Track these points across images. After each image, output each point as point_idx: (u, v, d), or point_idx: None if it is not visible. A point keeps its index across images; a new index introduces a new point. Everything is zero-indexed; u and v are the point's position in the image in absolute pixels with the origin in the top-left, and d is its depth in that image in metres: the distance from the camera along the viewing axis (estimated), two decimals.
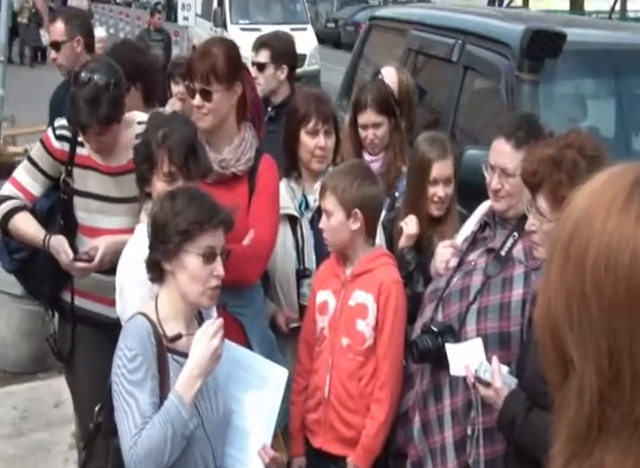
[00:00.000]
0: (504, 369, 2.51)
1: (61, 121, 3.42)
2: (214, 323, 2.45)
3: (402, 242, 3.38)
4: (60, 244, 3.28)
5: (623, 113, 4.50)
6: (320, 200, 3.18)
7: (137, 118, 3.46)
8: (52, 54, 4.70)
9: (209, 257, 2.43)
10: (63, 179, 3.41)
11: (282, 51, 4.68)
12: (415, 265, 3.28)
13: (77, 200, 3.42)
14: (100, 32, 5.73)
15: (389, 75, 4.24)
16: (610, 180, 1.02)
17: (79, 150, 3.39)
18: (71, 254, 3.26)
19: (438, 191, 3.37)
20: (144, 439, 2.29)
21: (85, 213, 3.42)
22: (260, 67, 4.60)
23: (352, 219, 3.07)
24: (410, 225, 3.36)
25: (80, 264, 3.27)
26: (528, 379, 2.39)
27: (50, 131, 3.43)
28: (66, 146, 3.39)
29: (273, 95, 4.63)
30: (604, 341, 0.95)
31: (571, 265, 0.99)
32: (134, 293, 2.73)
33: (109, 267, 3.25)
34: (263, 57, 4.62)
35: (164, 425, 2.29)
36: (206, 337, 2.40)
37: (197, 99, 3.18)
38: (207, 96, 3.16)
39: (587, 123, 4.42)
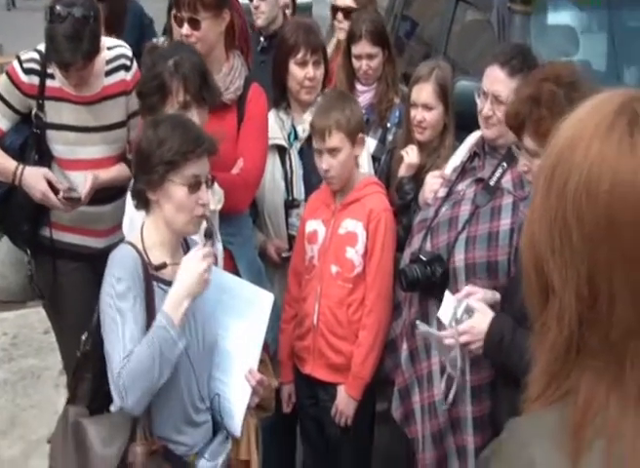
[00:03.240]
0: (493, 294, 2.54)
1: (29, 53, 3.28)
2: (202, 248, 2.46)
3: (402, 171, 3.36)
4: (36, 181, 3.19)
5: (615, 46, 4.46)
6: (322, 143, 3.08)
7: (106, 43, 3.36)
8: None
9: (194, 187, 2.41)
10: (35, 114, 3.29)
11: None
12: (413, 196, 3.27)
13: (52, 133, 3.31)
14: None
15: None
16: (594, 109, 1.02)
17: (49, 82, 3.27)
18: (52, 196, 3.19)
19: (417, 114, 3.36)
20: (133, 360, 2.30)
21: (62, 145, 3.32)
22: None
23: (357, 145, 3.10)
24: (410, 154, 3.34)
25: (66, 205, 3.21)
26: (517, 305, 2.41)
27: (16, 64, 3.27)
28: (35, 80, 3.26)
29: (273, 23, 4.56)
30: (584, 268, 0.98)
31: (553, 194, 1.00)
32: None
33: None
34: None
35: (152, 345, 2.31)
36: (194, 261, 2.40)
37: (185, 28, 3.14)
38: (195, 24, 3.13)
39: (579, 56, 4.38)
